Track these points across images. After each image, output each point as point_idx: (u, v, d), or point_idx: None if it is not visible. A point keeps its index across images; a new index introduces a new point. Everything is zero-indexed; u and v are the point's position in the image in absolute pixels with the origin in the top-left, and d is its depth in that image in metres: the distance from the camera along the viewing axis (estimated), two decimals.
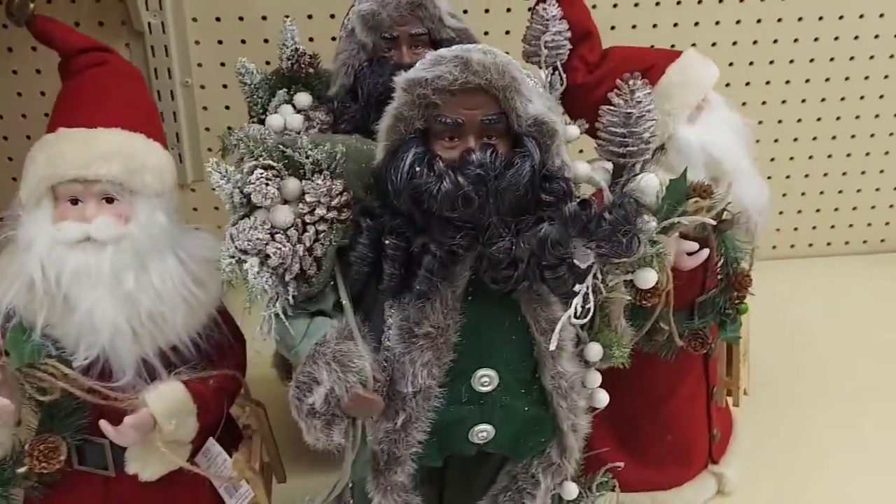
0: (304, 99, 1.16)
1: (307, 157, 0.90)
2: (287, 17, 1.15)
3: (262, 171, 0.89)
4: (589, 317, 0.92)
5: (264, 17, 1.59)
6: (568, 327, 0.94)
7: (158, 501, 1.05)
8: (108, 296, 0.95)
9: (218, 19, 1.60)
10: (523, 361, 0.96)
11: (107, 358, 0.96)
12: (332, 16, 1.58)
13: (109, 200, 0.97)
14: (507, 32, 1.65)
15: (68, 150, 0.96)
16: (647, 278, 0.97)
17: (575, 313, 0.91)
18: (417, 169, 0.86)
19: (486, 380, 0.94)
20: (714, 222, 1.07)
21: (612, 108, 0.94)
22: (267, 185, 0.88)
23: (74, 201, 0.97)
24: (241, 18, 1.59)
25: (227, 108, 1.65)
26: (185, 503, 1.06)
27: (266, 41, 1.60)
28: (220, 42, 1.61)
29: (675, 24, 1.75)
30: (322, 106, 1.17)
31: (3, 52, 1.62)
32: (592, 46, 1.23)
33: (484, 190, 0.85)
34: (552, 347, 0.91)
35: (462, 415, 0.95)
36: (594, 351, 0.98)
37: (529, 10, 1.22)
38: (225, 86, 1.62)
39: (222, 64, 1.60)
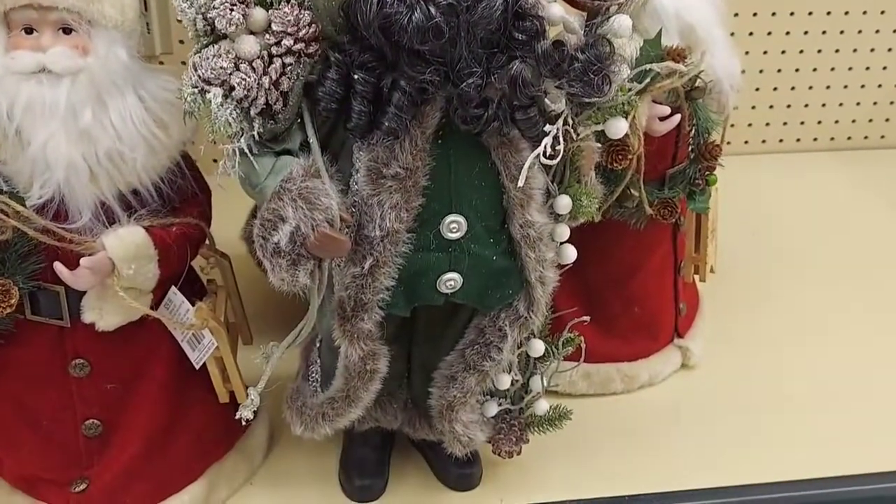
0: None
1: None
2: None
3: None
4: (558, 159, 0.90)
5: None
6: (537, 176, 0.93)
7: (116, 354, 1.02)
8: (63, 131, 0.90)
9: None
10: (492, 209, 0.94)
11: (62, 197, 0.92)
12: None
13: (67, 31, 0.92)
14: None
15: None
16: (618, 127, 0.95)
17: (544, 153, 0.89)
18: None
19: (454, 226, 0.92)
20: (685, 71, 1.06)
21: None
22: (231, 10, 0.84)
23: (29, 30, 0.92)
24: None
25: None
26: (145, 357, 1.04)
27: None
28: None
29: None
30: None
31: None
32: None
33: (455, 21, 0.82)
34: (520, 184, 0.89)
35: (430, 262, 0.93)
36: (563, 203, 0.97)
37: None
38: None
39: None
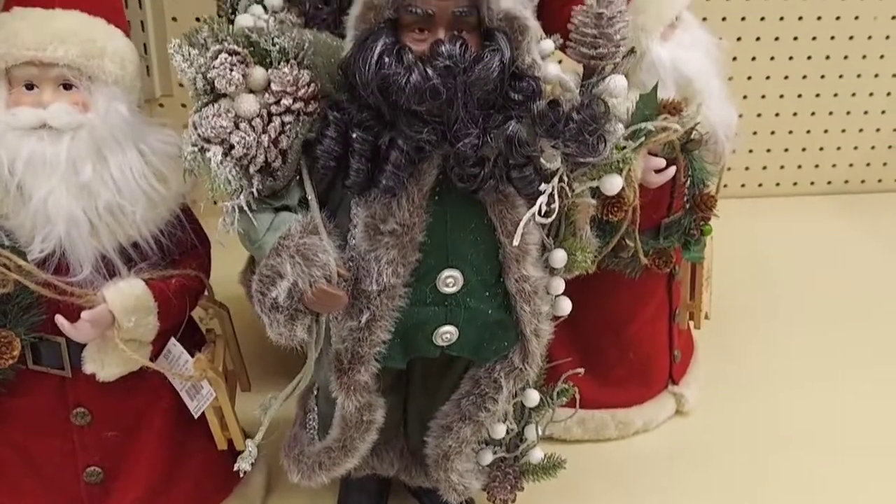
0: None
1: (273, 45, 0.88)
2: None
3: (226, 55, 0.86)
4: (553, 216, 0.91)
5: None
6: (533, 232, 0.94)
7: (117, 405, 1.03)
8: (64, 186, 0.92)
9: None
10: (488, 264, 0.95)
11: (63, 251, 0.94)
12: None
13: (67, 87, 0.94)
14: None
15: (24, 29, 0.92)
16: (613, 184, 0.96)
17: (539, 211, 0.90)
18: (386, 59, 0.84)
19: (450, 280, 0.93)
20: (677, 128, 1.07)
21: (584, 7, 0.93)
22: (231, 70, 0.86)
23: (30, 86, 0.94)
24: None
25: (198, 19, 1.60)
26: (145, 406, 1.05)
27: None
28: None
29: None
30: (293, 8, 1.14)
31: None
32: None
33: (452, 83, 0.84)
34: (515, 243, 0.91)
35: (426, 315, 0.94)
36: (558, 257, 0.98)
37: None
38: None
39: None
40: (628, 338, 1.31)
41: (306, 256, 0.88)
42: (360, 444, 1.03)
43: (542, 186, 0.90)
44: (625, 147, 0.96)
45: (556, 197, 0.91)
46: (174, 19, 1.63)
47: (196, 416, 1.06)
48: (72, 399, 1.02)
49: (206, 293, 1.08)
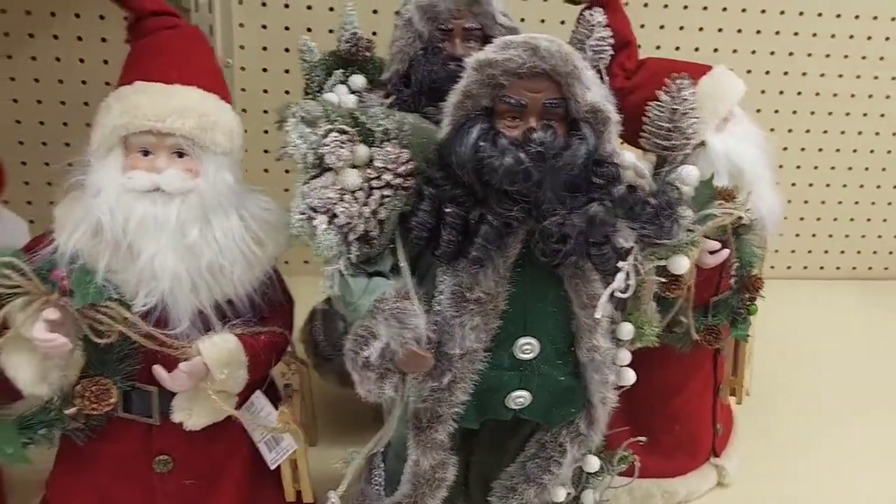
0: (358, 81, 1.21)
1: (378, 126, 0.96)
2: (349, 3, 1.21)
3: (337, 134, 0.94)
4: (630, 292, 0.98)
5: (309, 7, 1.65)
6: (606, 305, 1.01)
7: (198, 452, 1.08)
8: (171, 246, 0.99)
9: (263, 4, 1.66)
10: (562, 333, 1.01)
11: (165, 306, 1.00)
12: (375, 11, 1.65)
13: (180, 155, 1.01)
14: None
15: (145, 102, 1.00)
16: (681, 264, 1.04)
17: (618, 287, 0.97)
18: (482, 143, 0.92)
19: (527, 348, 0.99)
20: (740, 214, 1.14)
21: (659, 103, 1.02)
22: (341, 147, 0.94)
23: (145, 152, 1.01)
24: (286, 6, 1.65)
25: (266, 91, 1.70)
26: (224, 456, 1.10)
27: (309, 30, 1.66)
28: (263, 27, 1.67)
29: (700, 28, 1.87)
30: (375, 89, 1.23)
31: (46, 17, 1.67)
32: (631, 54, 1.31)
33: (543, 167, 0.91)
34: (598, 315, 0.97)
35: (502, 379, 1.00)
36: (626, 329, 1.04)
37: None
38: (265, 69, 1.67)
39: (264, 48, 1.66)
40: (676, 409, 1.36)
41: (399, 320, 0.94)
42: (430, 502, 1.07)
43: (620, 264, 0.97)
44: (692, 230, 1.04)
45: (632, 274, 0.98)
46: (243, 90, 1.74)
47: (272, 468, 1.10)
48: (156, 446, 1.07)
49: (288, 349, 1.14)
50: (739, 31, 1.88)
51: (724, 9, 1.86)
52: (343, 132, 0.95)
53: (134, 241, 0.99)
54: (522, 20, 1.76)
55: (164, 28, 1.08)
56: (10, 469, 1.20)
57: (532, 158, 0.91)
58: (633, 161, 1.02)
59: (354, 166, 0.97)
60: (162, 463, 1.07)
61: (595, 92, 0.95)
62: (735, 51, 1.88)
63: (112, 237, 0.99)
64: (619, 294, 0.98)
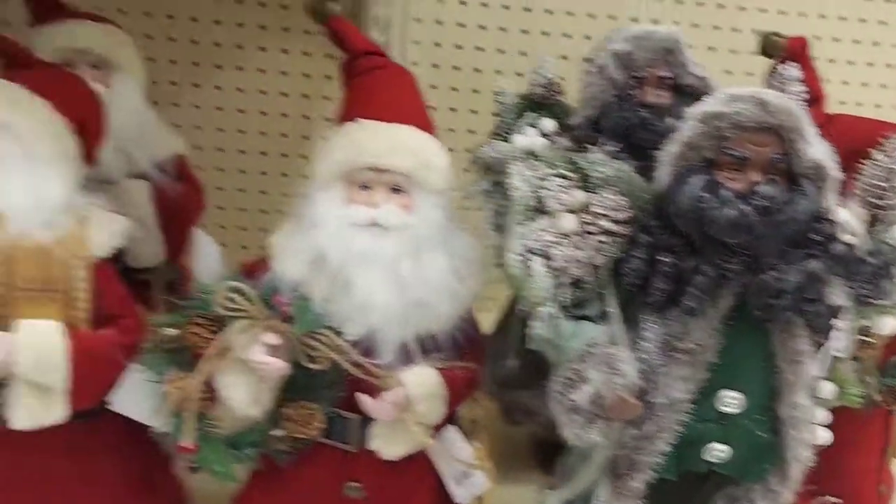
0: (549, 124, 1.24)
1: (597, 172, 0.98)
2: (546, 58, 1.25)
3: (559, 179, 0.97)
4: (846, 352, 0.97)
5: (479, 48, 1.69)
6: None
7: (388, 481, 1.10)
8: (384, 279, 1.02)
9: (437, 44, 1.71)
10: (764, 388, 1.01)
11: (373, 337, 1.03)
12: (565, 56, 1.65)
13: (396, 191, 1.04)
14: None
15: (368, 139, 1.04)
16: (889, 325, 1.03)
17: (837, 347, 0.96)
18: (705, 194, 0.93)
19: (731, 401, 0.99)
20: None
21: (875, 162, 1.01)
22: (564, 192, 0.96)
23: (364, 187, 1.04)
24: (458, 47, 1.70)
25: None
26: (413, 486, 1.12)
27: (477, 70, 1.71)
28: (435, 66, 1.72)
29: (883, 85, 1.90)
30: (565, 133, 1.25)
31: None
32: (819, 110, 1.30)
33: (766, 221, 0.92)
34: (818, 373, 0.96)
35: (703, 432, 1.00)
36: (827, 388, 1.03)
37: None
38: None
39: (433, 86, 1.70)
40: (842, 465, 1.34)
41: (610, 365, 0.95)
42: None
43: (837, 323, 0.97)
44: None
45: (849, 334, 0.97)
46: None
47: (458, 502, 1.12)
48: (348, 473, 1.09)
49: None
50: None
51: None
52: (565, 177, 0.97)
53: (349, 273, 1.02)
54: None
55: (376, 68, 1.12)
56: (196, 486, 1.24)
57: (757, 212, 0.92)
58: (846, 218, 1.02)
59: (571, 211, 0.99)
60: (353, 489, 1.09)
61: (817, 148, 0.95)
62: None
63: (332, 268, 1.02)
64: (835, 353, 0.97)
